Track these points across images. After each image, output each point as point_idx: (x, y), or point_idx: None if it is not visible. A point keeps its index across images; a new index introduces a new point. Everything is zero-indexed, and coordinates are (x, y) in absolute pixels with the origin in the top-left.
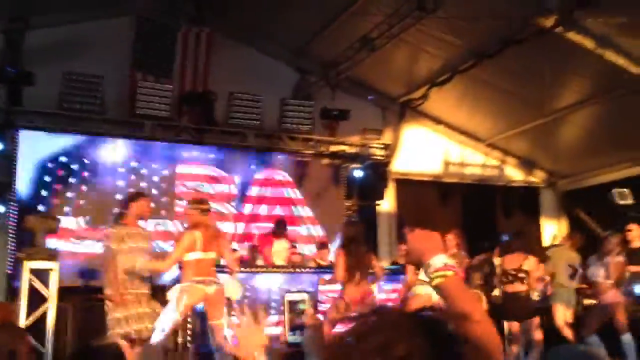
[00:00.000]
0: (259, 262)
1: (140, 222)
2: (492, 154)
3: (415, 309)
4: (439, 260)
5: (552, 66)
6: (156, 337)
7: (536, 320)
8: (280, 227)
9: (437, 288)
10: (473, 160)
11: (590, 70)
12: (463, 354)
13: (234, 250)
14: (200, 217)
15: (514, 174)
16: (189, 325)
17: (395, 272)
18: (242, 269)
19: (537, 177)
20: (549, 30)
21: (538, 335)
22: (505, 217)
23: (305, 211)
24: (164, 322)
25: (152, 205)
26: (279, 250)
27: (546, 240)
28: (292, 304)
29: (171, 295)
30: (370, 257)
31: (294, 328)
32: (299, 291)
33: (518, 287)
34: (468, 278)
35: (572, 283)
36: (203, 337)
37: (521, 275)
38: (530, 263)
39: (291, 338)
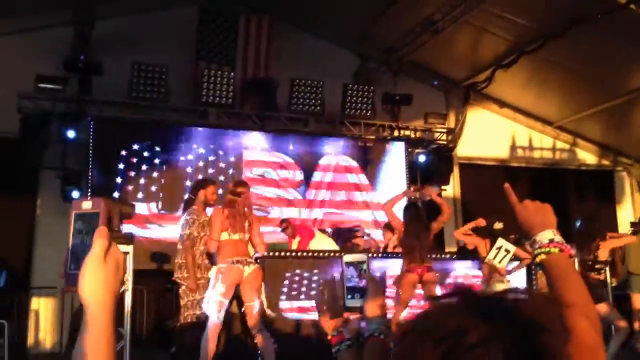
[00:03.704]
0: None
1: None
2: (562, 137)
3: (496, 292)
4: (545, 236)
5: (625, 44)
6: (210, 321)
7: (602, 307)
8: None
9: (540, 266)
10: (541, 144)
11: None
12: (550, 343)
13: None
14: (231, 199)
15: (586, 157)
16: None
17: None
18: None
19: (611, 160)
20: (621, 6)
21: (621, 322)
22: (578, 201)
23: (369, 196)
24: (209, 305)
25: (220, 191)
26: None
27: (624, 226)
28: (351, 265)
29: (211, 275)
30: (431, 239)
31: (352, 291)
32: (358, 252)
33: (593, 277)
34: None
35: None
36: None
37: (598, 266)
38: (603, 252)
39: (350, 302)
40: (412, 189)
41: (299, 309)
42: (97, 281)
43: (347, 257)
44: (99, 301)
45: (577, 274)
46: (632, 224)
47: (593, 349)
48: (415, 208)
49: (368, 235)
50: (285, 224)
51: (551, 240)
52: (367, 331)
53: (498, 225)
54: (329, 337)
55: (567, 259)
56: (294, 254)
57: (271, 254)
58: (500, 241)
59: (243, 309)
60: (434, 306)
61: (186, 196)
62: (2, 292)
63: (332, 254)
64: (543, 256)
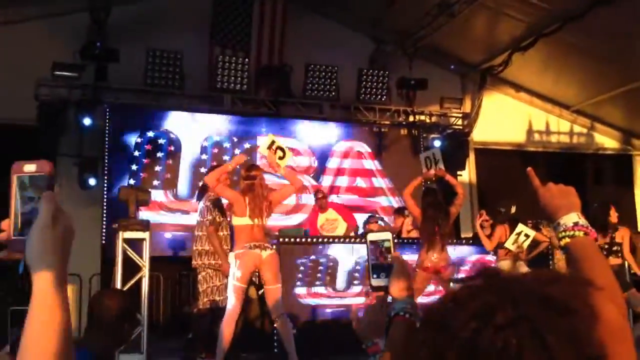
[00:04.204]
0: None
1: None
2: (579, 121)
3: (523, 273)
4: (570, 219)
5: None
6: (228, 307)
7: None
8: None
9: (564, 249)
10: (559, 128)
11: None
12: (579, 326)
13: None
14: (248, 184)
15: (605, 141)
16: None
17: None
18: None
19: (630, 144)
20: None
21: None
22: (596, 186)
23: (385, 182)
24: (228, 290)
25: (234, 178)
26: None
27: None
28: (375, 243)
29: (229, 261)
30: (450, 224)
31: (376, 269)
32: (381, 230)
33: (612, 261)
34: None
35: None
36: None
37: (615, 248)
38: (621, 234)
39: (375, 281)
40: (431, 171)
41: (314, 294)
42: (46, 248)
43: (371, 236)
44: (47, 269)
45: (603, 257)
46: None
47: (621, 334)
48: (434, 193)
49: (382, 220)
50: (322, 194)
51: (576, 224)
52: (393, 310)
53: (513, 209)
54: (364, 347)
55: (593, 242)
56: (309, 239)
57: (286, 240)
58: (520, 227)
59: (261, 292)
60: (460, 288)
61: (201, 183)
62: (22, 279)
63: (351, 239)
64: (568, 240)
